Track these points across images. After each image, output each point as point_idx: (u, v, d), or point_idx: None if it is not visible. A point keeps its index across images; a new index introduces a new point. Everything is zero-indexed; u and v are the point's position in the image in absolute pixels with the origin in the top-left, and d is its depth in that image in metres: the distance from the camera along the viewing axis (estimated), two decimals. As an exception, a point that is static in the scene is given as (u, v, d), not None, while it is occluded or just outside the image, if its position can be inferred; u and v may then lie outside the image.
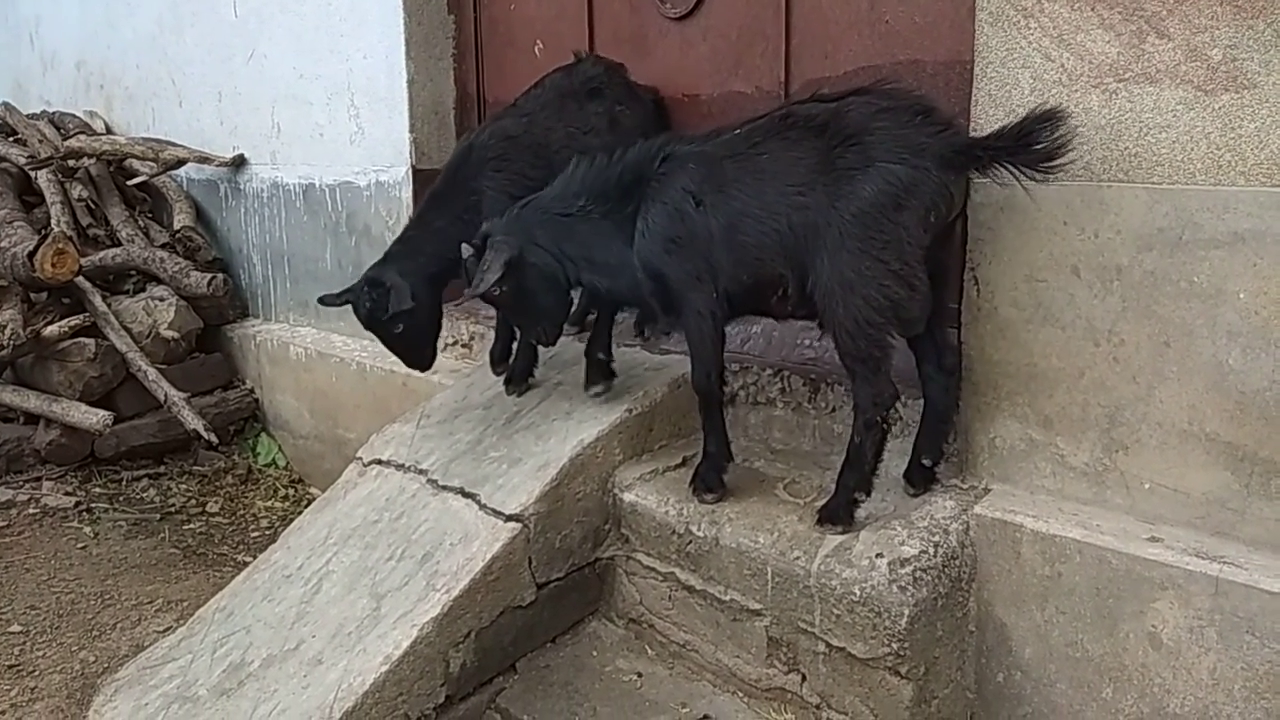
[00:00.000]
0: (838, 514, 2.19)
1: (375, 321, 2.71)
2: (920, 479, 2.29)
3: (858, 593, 2.02)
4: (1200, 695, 1.87)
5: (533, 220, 2.46)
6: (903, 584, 2.00)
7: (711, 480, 2.41)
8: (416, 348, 2.82)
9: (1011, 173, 1.95)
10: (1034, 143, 1.90)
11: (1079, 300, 2.03)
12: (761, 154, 2.19)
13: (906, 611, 1.98)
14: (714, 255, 2.24)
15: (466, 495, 2.53)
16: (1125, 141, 1.94)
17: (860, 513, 2.21)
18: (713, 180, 2.23)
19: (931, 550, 2.08)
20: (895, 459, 2.38)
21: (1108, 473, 2.04)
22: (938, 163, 1.99)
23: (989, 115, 2.11)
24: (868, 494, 2.21)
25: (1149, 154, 1.92)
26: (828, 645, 2.09)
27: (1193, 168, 1.87)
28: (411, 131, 3.71)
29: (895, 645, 1.98)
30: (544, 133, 2.84)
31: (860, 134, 2.05)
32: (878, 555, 2.06)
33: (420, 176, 3.69)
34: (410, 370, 2.92)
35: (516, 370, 2.92)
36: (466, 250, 2.43)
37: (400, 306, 2.66)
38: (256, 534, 3.70)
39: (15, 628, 2.90)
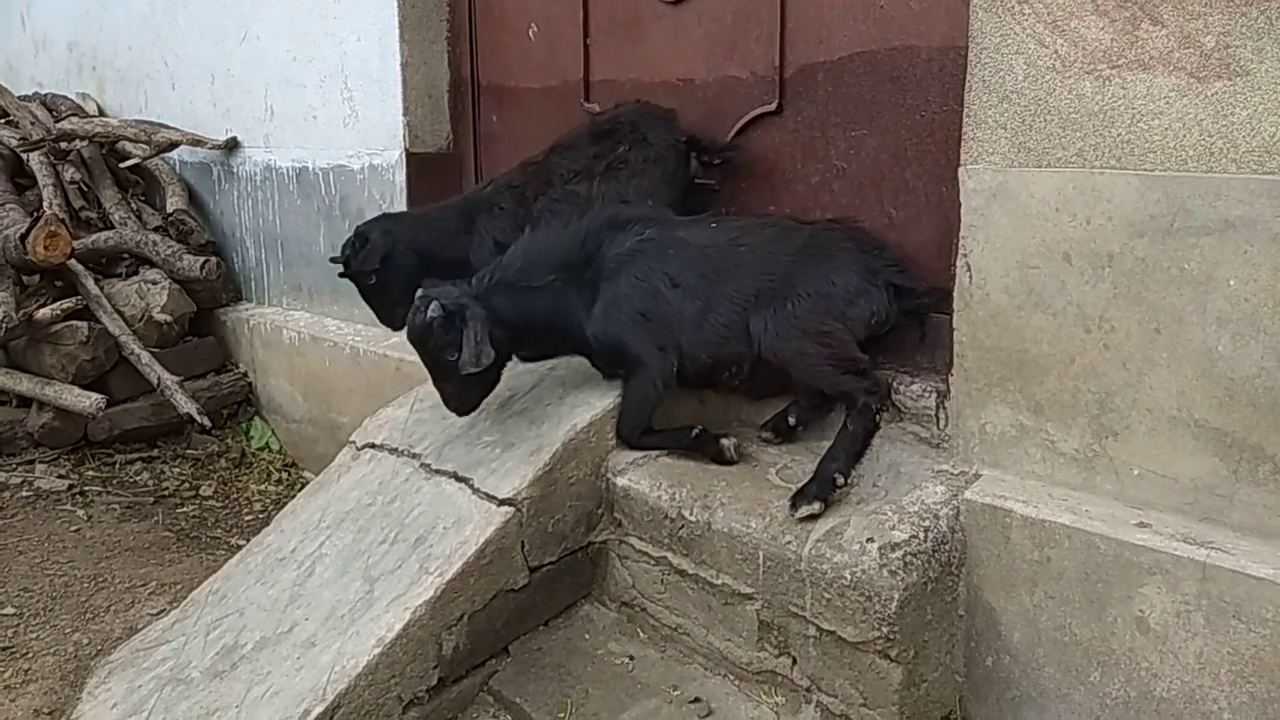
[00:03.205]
0: (811, 492, 2.20)
1: (349, 272, 2.99)
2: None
3: (848, 577, 2.03)
4: (1187, 679, 1.89)
5: (500, 294, 2.49)
6: (893, 568, 2.01)
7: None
8: (385, 307, 3.02)
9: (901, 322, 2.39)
10: (918, 317, 2.39)
11: (1070, 287, 2.04)
12: (741, 246, 2.47)
13: (896, 595, 1.99)
14: (680, 334, 2.43)
15: (460, 479, 2.53)
16: (1118, 128, 1.95)
17: (851, 496, 2.23)
18: (692, 267, 2.45)
19: (922, 535, 2.09)
20: (886, 445, 2.39)
21: (1097, 459, 2.05)
22: (886, 288, 2.35)
23: (983, 101, 2.11)
24: (846, 479, 2.24)
25: (1141, 141, 1.92)
26: (818, 629, 2.10)
27: (1185, 155, 1.87)
28: (405, 115, 3.69)
29: (885, 629, 2.00)
30: (542, 177, 2.94)
31: (833, 251, 2.40)
32: (868, 540, 2.07)
33: (414, 160, 3.69)
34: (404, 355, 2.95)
35: None
36: (435, 310, 2.41)
37: (367, 265, 2.92)
38: (250, 517, 3.70)
39: (9, 610, 2.90)
